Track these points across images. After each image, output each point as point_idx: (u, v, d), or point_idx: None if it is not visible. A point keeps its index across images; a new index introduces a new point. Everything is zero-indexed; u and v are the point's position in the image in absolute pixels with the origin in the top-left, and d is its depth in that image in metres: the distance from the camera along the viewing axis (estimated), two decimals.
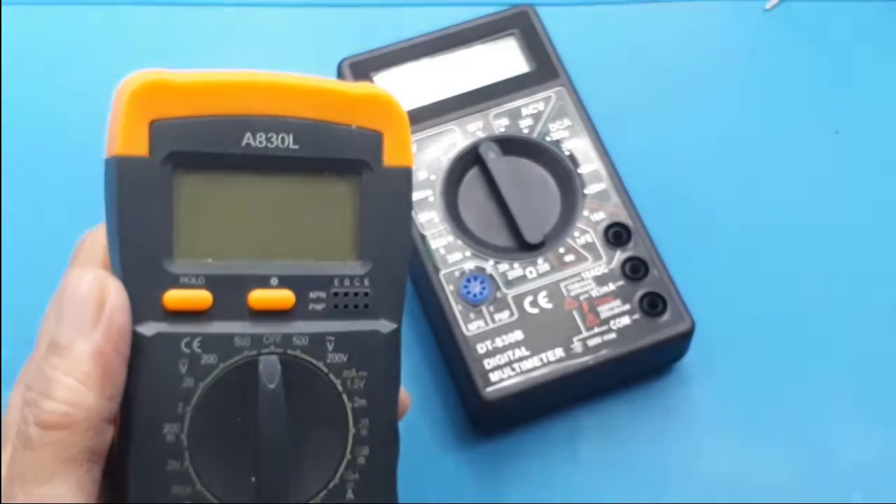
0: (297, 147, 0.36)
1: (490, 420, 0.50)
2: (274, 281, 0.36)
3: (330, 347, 0.36)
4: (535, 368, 0.48)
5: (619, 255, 0.50)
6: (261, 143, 0.36)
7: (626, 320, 0.49)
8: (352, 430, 0.36)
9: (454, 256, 0.50)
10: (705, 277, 0.53)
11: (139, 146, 0.35)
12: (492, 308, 0.49)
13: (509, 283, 0.50)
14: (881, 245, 0.55)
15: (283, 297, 0.36)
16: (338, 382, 0.36)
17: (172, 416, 0.35)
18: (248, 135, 0.35)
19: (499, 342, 0.49)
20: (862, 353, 0.52)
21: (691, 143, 0.57)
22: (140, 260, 0.35)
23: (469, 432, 0.50)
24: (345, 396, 0.36)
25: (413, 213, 0.50)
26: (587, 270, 0.50)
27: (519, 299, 0.49)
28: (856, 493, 0.49)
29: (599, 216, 0.51)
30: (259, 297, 0.36)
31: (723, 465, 0.50)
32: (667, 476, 0.50)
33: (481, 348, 0.48)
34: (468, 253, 0.50)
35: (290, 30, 0.59)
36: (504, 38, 0.54)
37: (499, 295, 0.49)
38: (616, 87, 0.57)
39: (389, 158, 0.37)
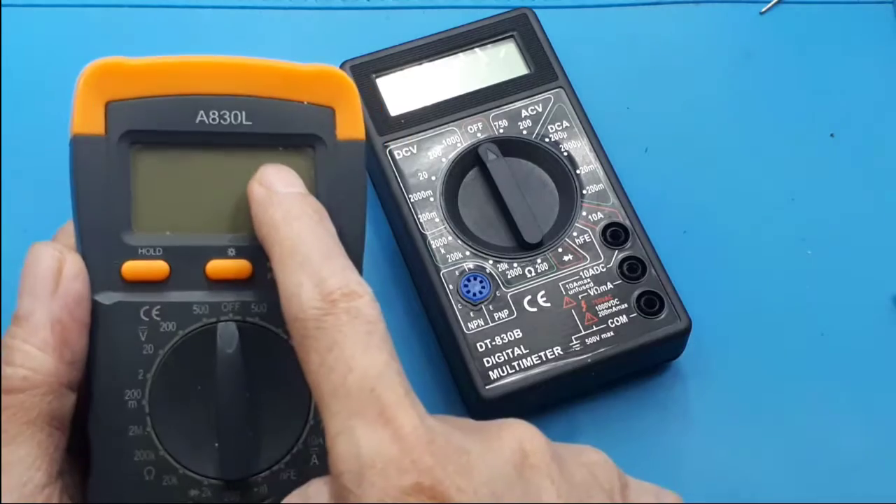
0: (249, 123, 0.37)
1: (489, 417, 0.50)
2: (231, 252, 0.37)
3: None
4: (533, 366, 0.49)
5: (617, 255, 0.51)
6: (214, 120, 0.37)
7: (623, 319, 0.50)
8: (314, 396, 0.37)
9: (454, 256, 0.50)
10: (702, 277, 0.53)
11: (96, 125, 0.37)
12: (491, 307, 0.50)
13: (508, 283, 0.50)
14: (877, 245, 0.55)
15: (240, 266, 0.37)
16: None
17: (133, 383, 0.36)
18: (202, 113, 0.37)
19: (498, 340, 0.49)
20: (858, 353, 0.53)
21: (688, 145, 0.57)
22: (99, 233, 0.37)
23: None
24: None
25: (413, 213, 0.51)
26: (585, 270, 0.50)
27: (518, 298, 0.50)
28: (853, 491, 0.50)
29: (597, 216, 0.52)
30: (216, 266, 0.37)
31: (719, 462, 0.50)
32: (663, 474, 0.50)
33: (481, 346, 0.49)
34: (468, 252, 0.51)
35: (292, 32, 0.59)
36: (503, 41, 0.55)
37: (498, 294, 0.50)
38: (614, 89, 0.58)
39: (343, 132, 0.38)
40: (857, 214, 0.56)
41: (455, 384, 0.51)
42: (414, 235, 0.51)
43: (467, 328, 0.49)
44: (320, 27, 0.59)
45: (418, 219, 0.51)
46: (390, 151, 0.52)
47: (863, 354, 0.53)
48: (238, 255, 0.37)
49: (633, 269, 0.51)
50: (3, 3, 0.59)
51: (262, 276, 0.37)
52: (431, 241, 0.51)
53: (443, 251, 0.51)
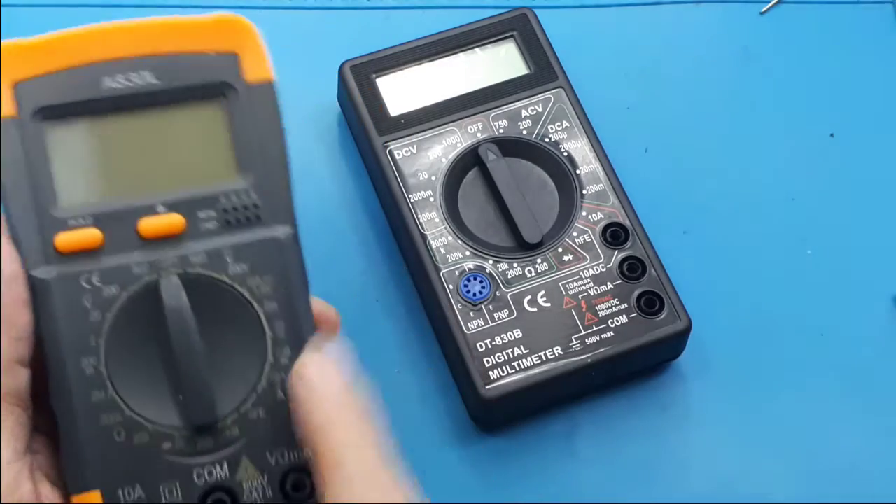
0: (157, 81, 0.38)
1: (489, 418, 0.50)
2: (161, 208, 0.38)
3: (229, 260, 0.38)
4: (533, 366, 0.49)
5: (617, 255, 0.51)
6: (121, 83, 0.38)
7: (623, 319, 0.50)
8: (269, 334, 0.38)
9: (454, 256, 0.50)
10: (702, 277, 0.53)
11: (7, 108, 0.37)
12: (491, 307, 0.50)
13: (508, 283, 0.50)
14: (877, 245, 0.55)
15: (172, 221, 0.38)
16: (244, 291, 0.38)
17: (87, 350, 0.37)
18: (107, 78, 0.38)
19: (498, 340, 0.49)
20: (858, 353, 0.53)
21: (688, 145, 0.57)
22: (27, 211, 0.37)
23: (469, 430, 0.50)
24: (254, 303, 0.38)
25: (413, 213, 0.51)
26: (585, 270, 0.50)
27: (518, 298, 0.50)
28: (853, 491, 0.50)
29: (597, 216, 0.52)
30: (148, 224, 0.37)
31: (719, 462, 0.50)
32: (663, 473, 0.50)
33: (481, 346, 0.49)
34: (468, 252, 0.51)
35: (292, 32, 0.59)
36: (503, 41, 0.55)
37: (498, 294, 0.50)
38: (614, 89, 0.58)
39: (251, 76, 0.39)
40: (857, 214, 0.56)
41: (455, 384, 0.51)
42: (414, 235, 0.51)
43: (467, 328, 0.49)
44: (320, 27, 0.59)
45: (418, 219, 0.51)
46: (390, 151, 0.52)
47: (863, 354, 0.53)
48: (168, 210, 0.38)
49: (633, 269, 0.51)
50: (3, 3, 0.59)
51: (196, 228, 0.38)
52: (431, 241, 0.51)
53: (443, 251, 0.51)
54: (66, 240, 0.37)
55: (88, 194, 0.38)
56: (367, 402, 0.36)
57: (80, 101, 0.38)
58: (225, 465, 0.37)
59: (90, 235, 0.37)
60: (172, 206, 0.38)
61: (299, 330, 0.38)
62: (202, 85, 0.39)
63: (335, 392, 0.36)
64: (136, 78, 0.38)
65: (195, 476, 0.37)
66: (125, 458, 0.36)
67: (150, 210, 0.38)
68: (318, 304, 0.40)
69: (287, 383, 0.37)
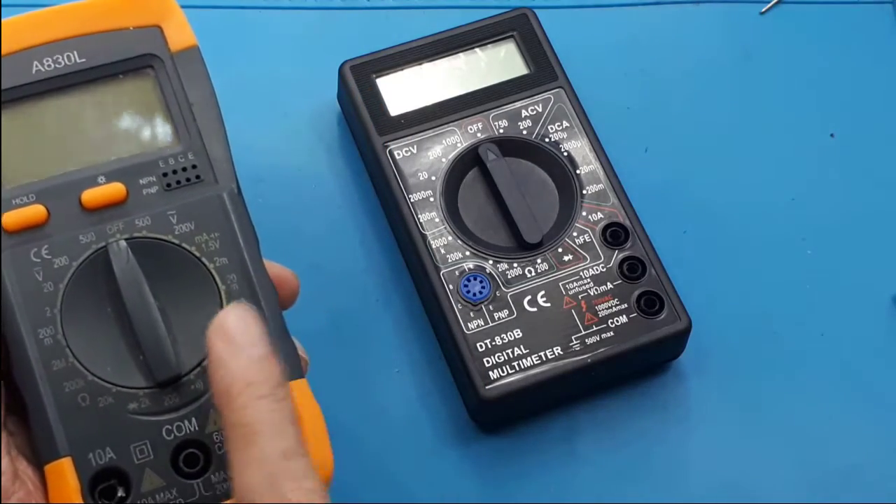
0: (83, 60, 0.40)
1: (489, 417, 0.50)
2: (101, 179, 0.39)
3: (174, 220, 0.39)
4: (533, 366, 0.49)
5: (617, 255, 0.51)
6: (49, 66, 0.40)
7: (623, 319, 0.50)
8: (222, 287, 0.39)
9: (454, 256, 0.50)
10: (702, 277, 0.53)
11: None
12: (491, 307, 0.50)
13: (508, 283, 0.50)
14: (877, 245, 0.55)
15: (114, 190, 0.39)
16: (192, 248, 0.39)
17: (43, 321, 0.38)
18: (36, 63, 0.40)
19: (498, 340, 0.49)
20: (858, 353, 0.53)
21: (688, 145, 0.57)
22: None
23: (468, 429, 0.50)
24: (204, 259, 0.39)
25: (413, 213, 0.51)
26: (585, 270, 0.50)
27: (518, 298, 0.50)
28: (853, 491, 0.50)
29: (597, 216, 0.52)
30: (91, 195, 0.39)
31: (719, 462, 0.50)
32: (663, 473, 0.50)
33: (481, 346, 0.49)
34: (468, 252, 0.51)
35: (292, 32, 0.59)
36: (504, 41, 0.55)
37: (498, 294, 0.50)
38: (614, 89, 0.58)
39: (175, 44, 0.41)
40: (857, 214, 0.56)
41: (455, 384, 0.51)
42: (414, 235, 0.51)
43: (467, 328, 0.49)
44: (320, 27, 0.59)
45: (418, 219, 0.51)
46: (390, 151, 0.52)
47: (863, 354, 0.53)
48: (109, 180, 0.39)
49: (633, 269, 0.51)
50: (2, 3, 0.59)
51: (138, 194, 0.39)
52: (431, 241, 0.51)
53: (443, 251, 0.51)
54: (12, 218, 0.38)
55: (30, 174, 0.39)
56: (282, 381, 0.35)
57: (14, 86, 0.39)
58: (193, 420, 0.38)
59: (35, 212, 0.38)
60: (112, 176, 0.39)
61: (251, 280, 0.39)
62: (128, 59, 0.40)
63: (255, 357, 0.35)
64: (63, 59, 0.40)
65: (164, 433, 0.37)
66: (92, 422, 0.37)
67: (91, 182, 0.39)
68: (275, 268, 0.40)
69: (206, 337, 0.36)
